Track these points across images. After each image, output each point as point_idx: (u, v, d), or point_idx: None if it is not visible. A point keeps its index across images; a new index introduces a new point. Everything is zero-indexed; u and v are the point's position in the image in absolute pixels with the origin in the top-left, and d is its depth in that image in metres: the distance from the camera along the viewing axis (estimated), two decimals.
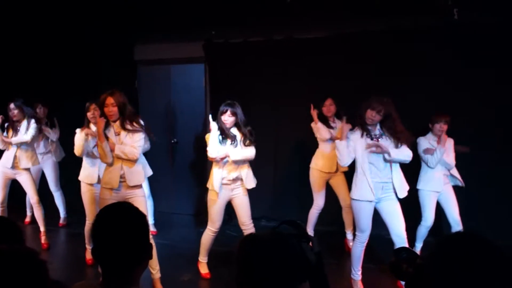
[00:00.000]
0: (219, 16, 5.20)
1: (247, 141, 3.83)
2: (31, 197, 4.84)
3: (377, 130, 3.54)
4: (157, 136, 5.21)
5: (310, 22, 5.06)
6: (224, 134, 3.79)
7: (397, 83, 4.81)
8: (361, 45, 4.99)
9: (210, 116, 3.94)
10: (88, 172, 4.24)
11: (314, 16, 4.95)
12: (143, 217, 1.52)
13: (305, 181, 4.73)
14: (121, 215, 1.50)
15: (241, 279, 1.41)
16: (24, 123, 4.70)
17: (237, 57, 5.56)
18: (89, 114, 4.13)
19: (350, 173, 3.91)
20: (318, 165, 4.58)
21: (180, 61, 5.95)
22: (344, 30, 5.03)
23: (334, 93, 4.58)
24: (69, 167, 5.08)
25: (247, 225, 3.95)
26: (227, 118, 3.79)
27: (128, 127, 3.52)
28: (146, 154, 4.83)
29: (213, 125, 3.82)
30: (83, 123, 4.17)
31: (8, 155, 4.71)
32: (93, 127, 4.05)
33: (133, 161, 3.54)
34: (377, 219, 3.62)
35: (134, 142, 3.52)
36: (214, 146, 3.76)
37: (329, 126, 4.48)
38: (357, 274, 3.71)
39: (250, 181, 3.93)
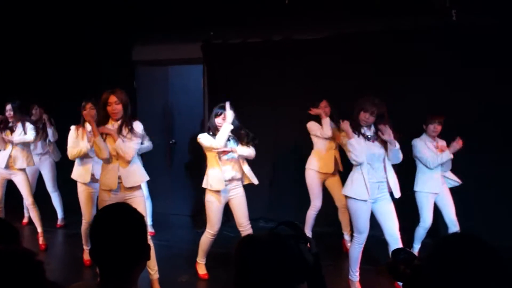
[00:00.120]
0: (217, 17, 5.20)
1: (245, 142, 3.85)
2: (26, 198, 4.81)
3: (371, 131, 3.54)
4: (155, 137, 5.26)
5: (309, 22, 5.06)
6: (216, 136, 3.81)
7: (397, 84, 4.82)
8: (361, 45, 4.99)
9: (227, 104, 3.82)
10: (80, 171, 4.21)
11: (313, 16, 4.94)
12: (141, 218, 1.52)
13: (303, 182, 4.72)
14: (119, 215, 1.50)
15: (239, 280, 1.41)
16: (19, 125, 4.70)
17: (236, 58, 5.55)
18: (84, 113, 4.09)
19: (345, 174, 3.92)
20: (314, 166, 4.57)
21: (179, 62, 5.94)
22: (343, 30, 5.03)
23: (333, 94, 4.58)
24: (66, 167, 5.03)
25: (244, 226, 3.95)
26: (221, 122, 3.80)
27: (124, 133, 3.47)
28: (144, 154, 4.84)
29: (230, 114, 3.77)
30: (80, 122, 4.16)
31: (3, 155, 4.68)
32: (88, 127, 4.02)
33: (127, 161, 3.49)
34: (372, 220, 3.61)
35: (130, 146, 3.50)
36: (224, 137, 3.74)
37: None
38: (355, 275, 3.71)
39: (253, 177, 3.94)
